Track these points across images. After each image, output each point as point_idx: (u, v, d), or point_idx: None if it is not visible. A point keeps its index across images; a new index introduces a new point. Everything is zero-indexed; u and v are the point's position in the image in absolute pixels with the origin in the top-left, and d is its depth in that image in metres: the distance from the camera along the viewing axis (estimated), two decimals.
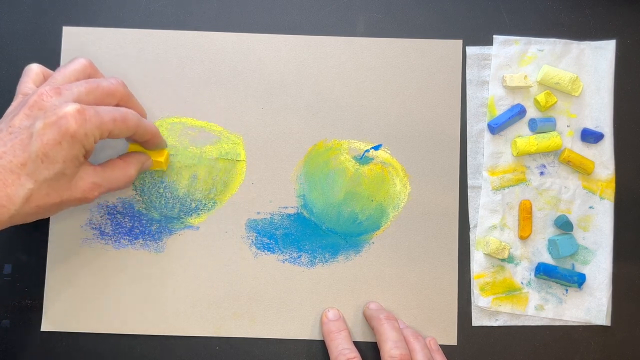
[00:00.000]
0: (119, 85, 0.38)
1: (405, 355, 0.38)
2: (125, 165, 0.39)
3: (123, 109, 0.37)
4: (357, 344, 0.42)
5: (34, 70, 0.38)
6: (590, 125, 0.44)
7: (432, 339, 0.42)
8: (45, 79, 0.38)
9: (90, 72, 0.39)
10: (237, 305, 0.43)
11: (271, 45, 0.44)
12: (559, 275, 0.42)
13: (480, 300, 0.43)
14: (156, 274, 0.43)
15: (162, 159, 0.42)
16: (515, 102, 0.44)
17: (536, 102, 0.44)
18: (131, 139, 0.39)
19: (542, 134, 0.43)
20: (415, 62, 0.44)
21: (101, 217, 0.43)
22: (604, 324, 0.43)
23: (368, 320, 0.42)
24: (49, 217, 0.43)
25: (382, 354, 0.39)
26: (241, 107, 0.44)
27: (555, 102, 0.43)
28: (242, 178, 0.43)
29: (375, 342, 0.42)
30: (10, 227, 0.42)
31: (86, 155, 0.36)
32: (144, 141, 0.40)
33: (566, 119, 0.44)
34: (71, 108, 0.34)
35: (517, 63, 0.44)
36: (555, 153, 0.44)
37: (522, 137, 0.43)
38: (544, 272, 0.42)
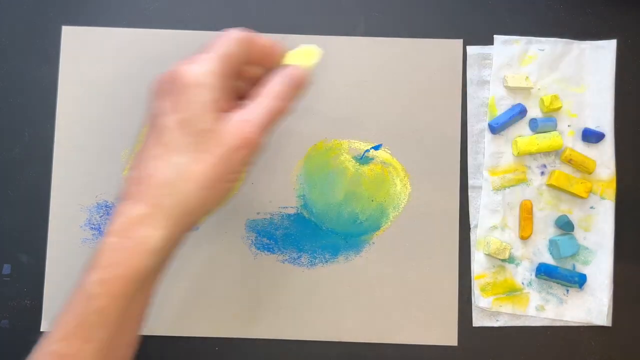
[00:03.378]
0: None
1: None
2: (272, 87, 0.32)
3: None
4: (357, 344, 0.42)
5: None
6: (591, 125, 0.44)
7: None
8: None
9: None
10: (237, 305, 0.42)
11: None
12: (560, 275, 0.42)
13: (480, 300, 0.43)
14: None
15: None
16: (516, 102, 0.44)
17: (541, 101, 0.43)
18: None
19: (542, 134, 0.43)
20: (415, 62, 0.44)
21: (100, 217, 0.43)
22: (605, 325, 0.43)
23: None
24: (48, 217, 0.43)
25: None
26: None
27: (560, 107, 0.43)
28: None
29: (377, 344, 0.42)
30: (10, 227, 0.43)
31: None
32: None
33: (567, 118, 0.44)
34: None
35: (518, 63, 0.44)
36: (556, 153, 0.44)
37: (522, 136, 0.43)
38: (544, 272, 0.42)
